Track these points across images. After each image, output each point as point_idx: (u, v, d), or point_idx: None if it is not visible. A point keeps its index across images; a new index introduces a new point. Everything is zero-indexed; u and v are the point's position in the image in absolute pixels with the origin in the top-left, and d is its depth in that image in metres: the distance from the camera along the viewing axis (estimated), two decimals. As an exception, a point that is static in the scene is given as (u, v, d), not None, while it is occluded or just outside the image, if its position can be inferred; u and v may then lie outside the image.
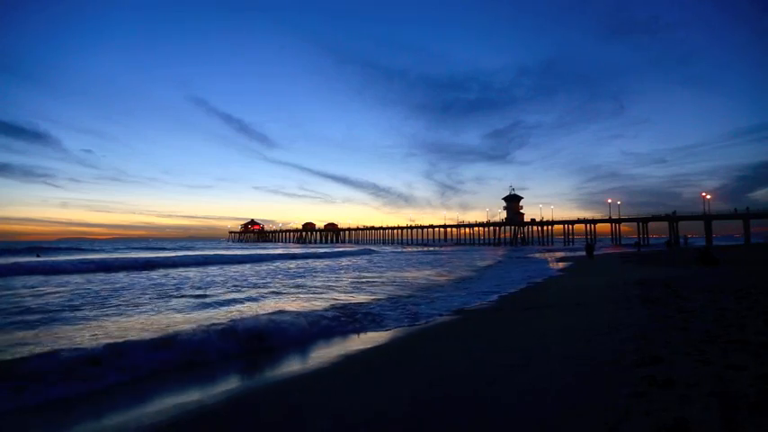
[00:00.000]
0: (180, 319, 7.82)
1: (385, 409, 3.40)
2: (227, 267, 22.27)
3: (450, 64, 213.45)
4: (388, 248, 60.88)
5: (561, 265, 23.03)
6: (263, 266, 23.24)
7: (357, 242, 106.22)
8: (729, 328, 4.91)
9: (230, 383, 4.50)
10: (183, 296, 10.94)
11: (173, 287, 12.96)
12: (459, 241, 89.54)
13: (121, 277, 16.25)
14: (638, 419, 2.71)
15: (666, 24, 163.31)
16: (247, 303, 9.81)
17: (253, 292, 11.78)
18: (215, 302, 9.88)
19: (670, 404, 2.87)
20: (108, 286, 13.17)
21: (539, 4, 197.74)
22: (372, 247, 61.39)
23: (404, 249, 55.93)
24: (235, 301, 10.17)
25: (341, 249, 49.97)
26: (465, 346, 5.62)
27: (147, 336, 5.92)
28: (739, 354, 3.84)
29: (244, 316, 7.44)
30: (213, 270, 20.32)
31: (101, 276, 16.58)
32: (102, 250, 46.51)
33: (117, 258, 25.73)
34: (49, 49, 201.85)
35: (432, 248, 60.20)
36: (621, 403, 3.00)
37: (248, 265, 23.77)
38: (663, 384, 3.24)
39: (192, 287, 12.98)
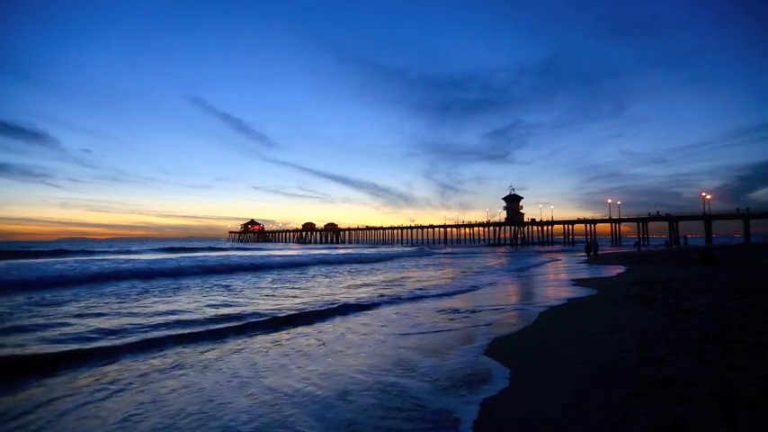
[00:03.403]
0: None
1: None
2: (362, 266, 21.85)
3: (450, 63, 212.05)
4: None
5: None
6: (381, 265, 22.45)
7: (357, 242, 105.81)
8: (729, 328, 4.91)
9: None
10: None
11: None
12: (459, 242, 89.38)
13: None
14: (638, 419, 2.71)
15: (667, 24, 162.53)
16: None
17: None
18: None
19: (670, 404, 2.87)
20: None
21: (539, 3, 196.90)
22: (426, 248, 59.08)
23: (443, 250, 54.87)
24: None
25: (397, 250, 46.30)
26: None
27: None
28: (739, 354, 3.84)
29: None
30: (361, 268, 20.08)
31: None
32: (142, 251, 41.54)
33: (228, 256, 24.53)
34: (48, 49, 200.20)
35: (450, 250, 59.23)
36: (621, 403, 3.01)
37: (355, 266, 22.25)
38: (663, 384, 3.25)
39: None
